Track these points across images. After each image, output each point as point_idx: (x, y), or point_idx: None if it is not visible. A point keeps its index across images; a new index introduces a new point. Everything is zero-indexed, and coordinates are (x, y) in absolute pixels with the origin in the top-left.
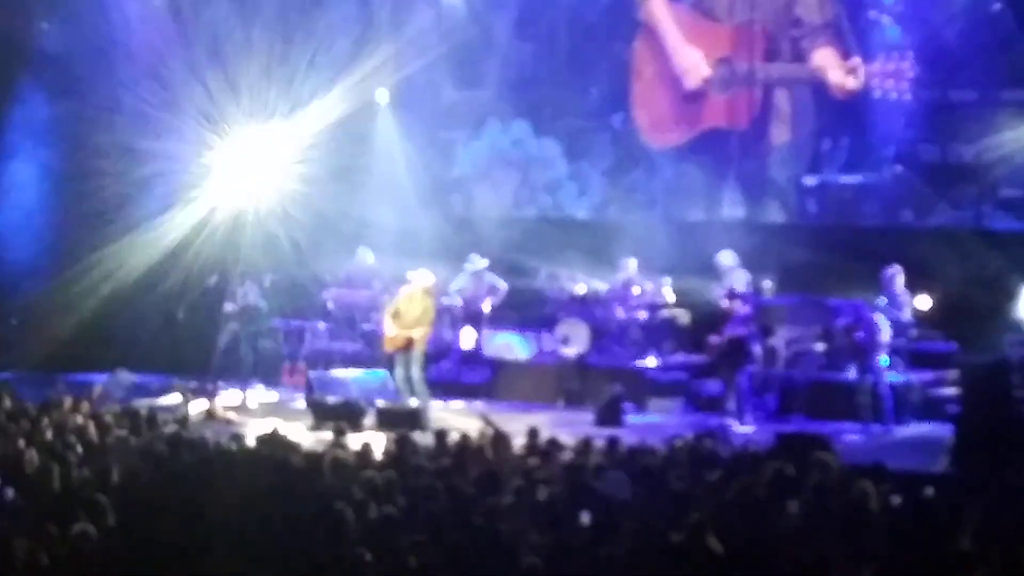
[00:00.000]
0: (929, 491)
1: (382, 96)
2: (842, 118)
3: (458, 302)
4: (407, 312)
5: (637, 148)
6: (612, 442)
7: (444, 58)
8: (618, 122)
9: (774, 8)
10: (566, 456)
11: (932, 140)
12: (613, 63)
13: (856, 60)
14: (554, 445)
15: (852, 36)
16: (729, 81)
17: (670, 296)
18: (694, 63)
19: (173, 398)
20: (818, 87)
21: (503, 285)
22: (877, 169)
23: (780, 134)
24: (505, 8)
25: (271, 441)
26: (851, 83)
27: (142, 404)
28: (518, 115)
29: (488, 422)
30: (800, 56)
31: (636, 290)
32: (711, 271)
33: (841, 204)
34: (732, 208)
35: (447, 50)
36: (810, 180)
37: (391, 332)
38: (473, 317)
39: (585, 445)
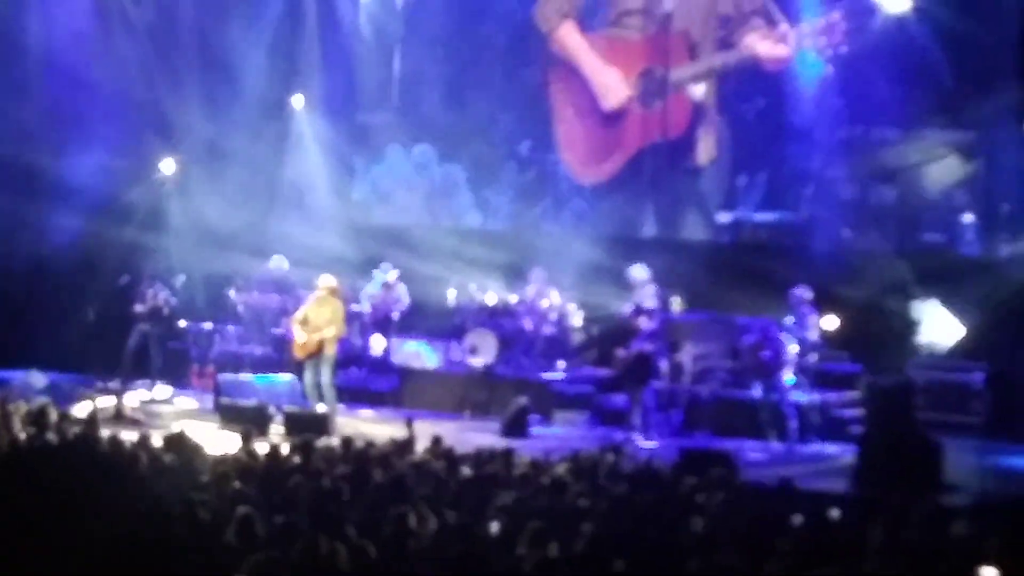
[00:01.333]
0: (833, 512)
1: (298, 101)
2: (760, 154)
3: (367, 309)
4: (315, 317)
5: (546, 176)
6: (510, 454)
7: (350, 78)
8: (526, 149)
9: (695, 13)
10: (467, 467)
11: (852, 179)
12: (522, 89)
13: (784, 26)
14: (454, 456)
15: (778, 10)
16: (653, 93)
17: (578, 309)
18: (613, 83)
19: (82, 398)
20: (740, 131)
21: (407, 298)
22: (794, 208)
23: (706, 150)
24: (412, 30)
25: (177, 442)
26: (782, 50)
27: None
28: (422, 139)
29: (410, 426)
30: (728, 48)
31: (545, 302)
32: (623, 284)
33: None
34: (648, 226)
35: (353, 69)
36: (724, 217)
37: (300, 339)
38: (382, 325)
39: (488, 456)
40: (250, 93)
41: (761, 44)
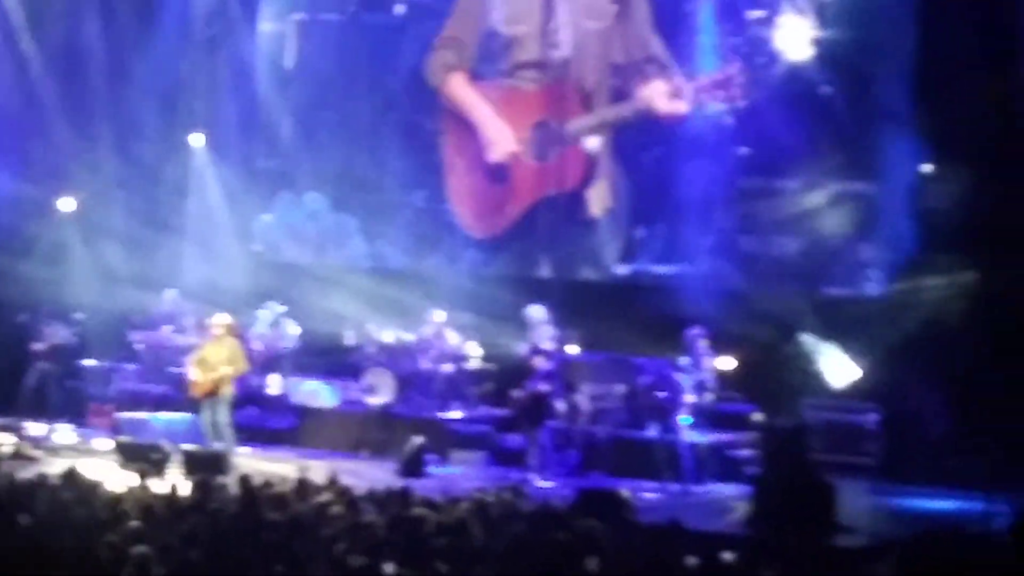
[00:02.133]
0: (727, 554)
1: (197, 140)
2: (658, 205)
3: (259, 347)
4: (213, 356)
5: (441, 227)
6: (407, 494)
7: (248, 120)
8: (421, 199)
9: (588, 62)
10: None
11: (753, 230)
12: (417, 137)
13: (680, 80)
14: (351, 496)
15: (675, 63)
16: (548, 144)
17: (476, 349)
18: (500, 135)
19: None
20: (638, 181)
21: (293, 337)
22: (693, 260)
23: (602, 202)
24: (306, 76)
25: (75, 481)
26: (679, 106)
27: None
28: (313, 187)
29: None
30: (623, 98)
31: (442, 342)
32: (521, 325)
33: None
34: (545, 267)
35: (249, 113)
36: (622, 269)
37: (197, 377)
38: (274, 363)
39: (384, 497)
40: (151, 130)
41: (657, 97)
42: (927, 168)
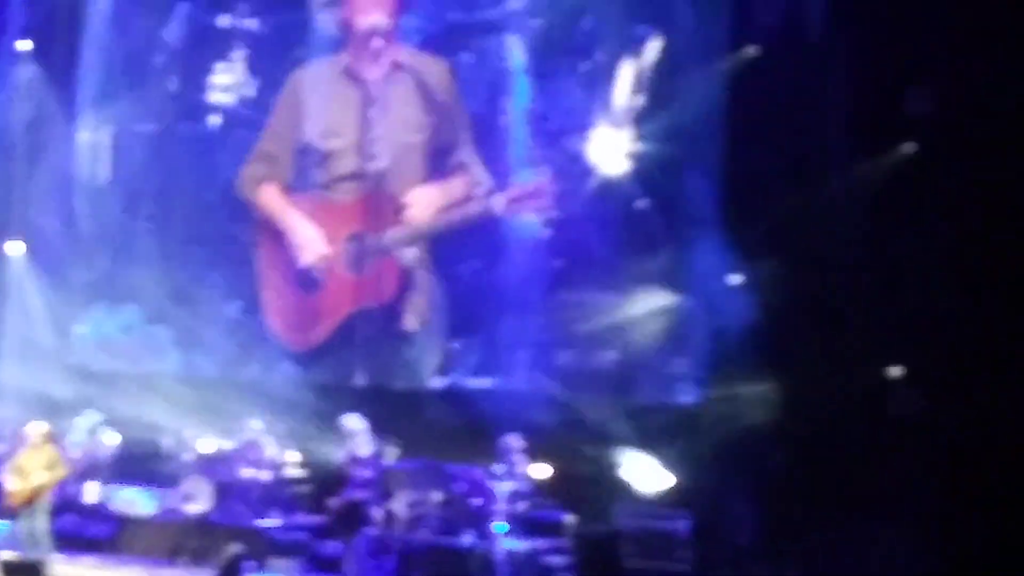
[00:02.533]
0: None
1: (15, 248)
2: (474, 318)
3: (77, 455)
4: (29, 464)
5: (256, 338)
6: None
7: (66, 229)
8: (235, 311)
9: (405, 174)
10: None
11: (568, 344)
12: (233, 247)
13: (493, 190)
14: None
15: (490, 174)
16: (362, 257)
17: (294, 457)
18: (310, 240)
19: None
20: (454, 294)
21: (111, 445)
22: (509, 373)
23: (418, 315)
24: (120, 185)
25: None
26: (491, 212)
27: None
28: (128, 299)
29: None
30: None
31: (260, 450)
32: (339, 433)
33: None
34: (361, 378)
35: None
36: (438, 382)
37: (15, 487)
38: (92, 471)
39: None
40: None
41: (470, 206)
42: (735, 279)
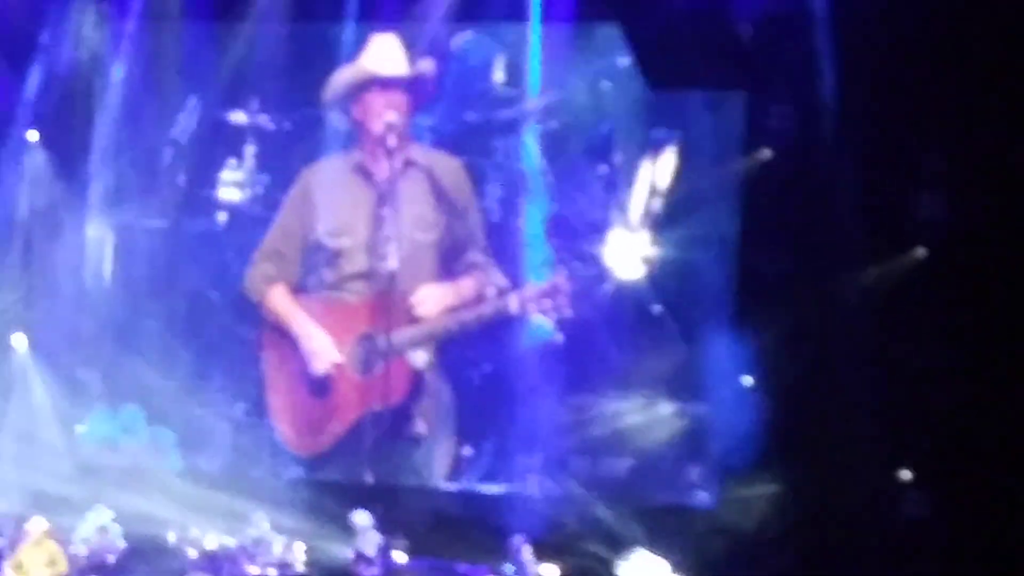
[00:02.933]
0: None
1: (19, 342)
2: (485, 422)
3: (83, 552)
4: (30, 562)
5: (262, 442)
6: None
7: (70, 326)
8: (240, 412)
9: (416, 274)
10: None
11: (581, 451)
12: (238, 348)
13: (505, 285)
14: None
15: (503, 274)
16: (373, 358)
17: (301, 555)
18: (322, 347)
19: None
20: (465, 398)
21: (121, 542)
22: (521, 479)
23: (428, 419)
24: (125, 282)
25: None
26: (506, 312)
27: None
28: (130, 399)
29: None
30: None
31: (266, 547)
32: (346, 530)
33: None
34: (369, 478)
35: (66, 319)
36: (449, 487)
37: None
38: (97, 569)
39: None
40: None
41: (483, 306)
42: (749, 382)
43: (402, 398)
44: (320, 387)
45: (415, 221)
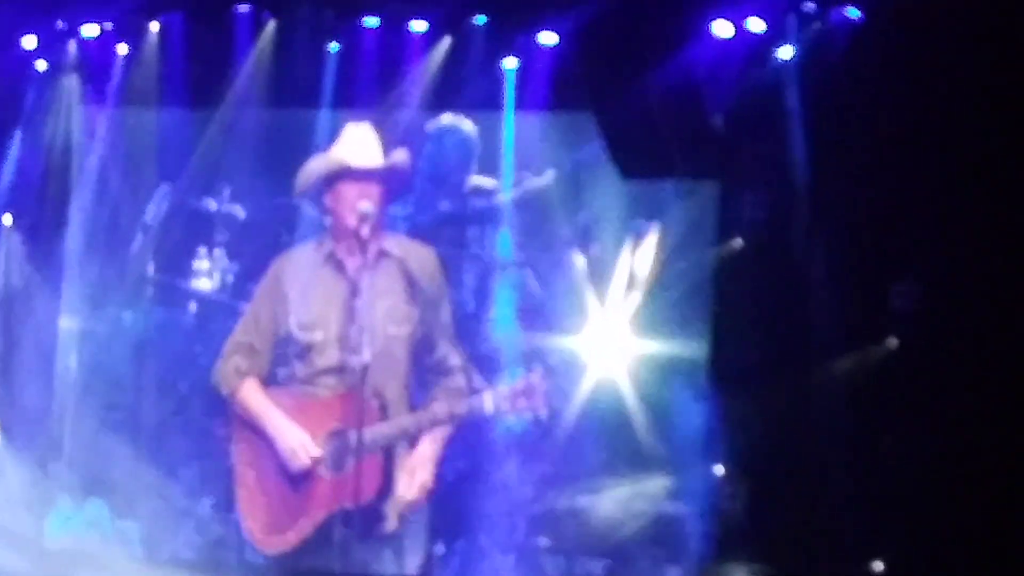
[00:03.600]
0: None
1: None
2: (459, 520)
3: None
4: None
5: (229, 539)
6: None
7: (35, 419)
8: (207, 507)
9: (389, 368)
10: None
11: (557, 550)
12: (206, 441)
13: (481, 386)
14: None
15: (476, 370)
16: (342, 455)
17: None
18: (299, 444)
19: None
20: (438, 495)
21: None
22: None
23: (397, 516)
24: (95, 374)
25: None
26: (479, 411)
27: None
28: (96, 493)
29: None
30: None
31: None
32: None
33: None
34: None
35: (38, 411)
36: None
37: None
38: None
39: None
40: None
41: (457, 405)
42: (721, 471)
43: (372, 495)
44: (290, 484)
45: (388, 314)
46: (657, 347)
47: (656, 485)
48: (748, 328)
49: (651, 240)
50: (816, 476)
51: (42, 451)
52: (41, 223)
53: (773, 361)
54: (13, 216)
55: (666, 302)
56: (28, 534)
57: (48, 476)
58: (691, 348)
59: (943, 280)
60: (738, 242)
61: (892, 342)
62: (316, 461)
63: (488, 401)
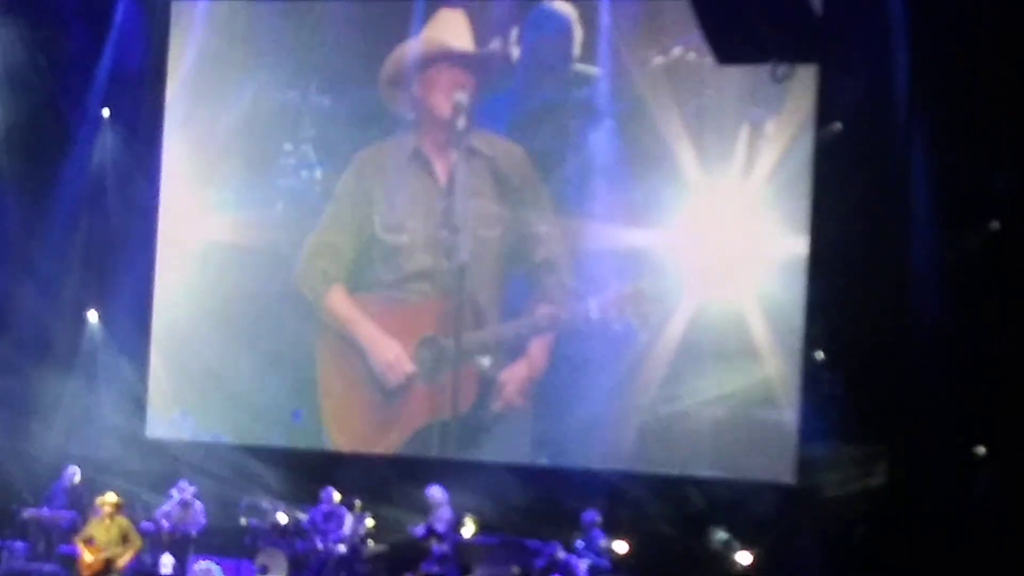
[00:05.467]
0: None
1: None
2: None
3: (165, 526)
4: (101, 535)
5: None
6: None
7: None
8: (299, 418)
9: (482, 273)
10: None
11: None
12: (292, 349)
13: (585, 289)
14: None
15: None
16: (436, 365)
17: (371, 530)
18: (395, 357)
19: None
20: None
21: (204, 517)
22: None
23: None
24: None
25: None
26: (587, 316)
27: None
28: (183, 402)
29: None
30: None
31: (336, 522)
32: (418, 505)
33: None
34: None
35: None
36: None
37: (87, 558)
38: (180, 543)
39: None
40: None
41: (560, 309)
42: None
43: (470, 407)
44: (382, 396)
45: (478, 215)
46: (759, 239)
47: (759, 383)
48: (848, 215)
49: (767, 128)
50: (916, 361)
51: (140, 348)
52: (138, 117)
53: (873, 247)
54: (111, 110)
55: (769, 192)
56: (129, 430)
57: (143, 378)
58: (791, 238)
59: None
60: (837, 126)
61: (994, 225)
62: (410, 375)
63: (594, 306)
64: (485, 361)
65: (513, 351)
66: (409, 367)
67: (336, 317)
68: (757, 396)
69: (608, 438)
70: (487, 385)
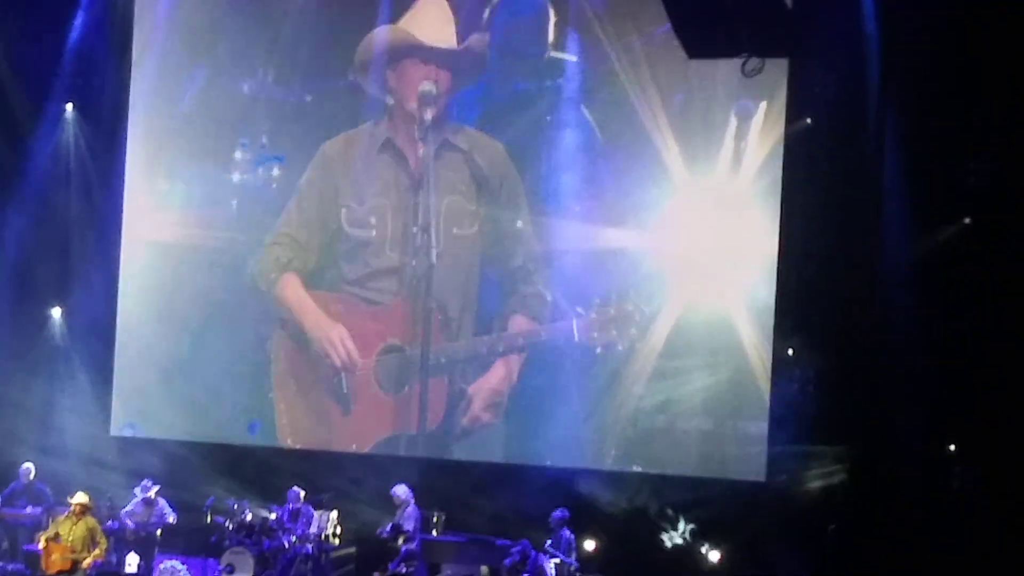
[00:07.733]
0: None
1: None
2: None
3: (129, 525)
4: (68, 534)
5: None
6: None
7: None
8: (256, 430)
9: (452, 275)
10: None
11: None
12: (249, 352)
13: (565, 305)
14: None
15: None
16: (400, 374)
17: (337, 528)
18: (338, 336)
19: None
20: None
21: (172, 515)
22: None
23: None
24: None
25: None
26: (568, 337)
27: None
28: (139, 406)
29: None
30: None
31: (304, 521)
32: (386, 503)
33: None
34: (409, 449)
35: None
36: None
37: (52, 555)
38: (144, 542)
39: None
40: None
41: (538, 326)
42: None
43: (439, 423)
44: (339, 404)
45: (452, 212)
46: (730, 234)
47: (738, 385)
48: (818, 208)
49: (755, 119)
50: (886, 357)
51: (104, 345)
52: (101, 108)
53: (843, 242)
54: (74, 104)
55: (758, 188)
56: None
57: (107, 376)
58: (763, 232)
59: (1018, 156)
60: (807, 122)
61: (965, 220)
62: (360, 380)
63: (575, 328)
64: (455, 375)
65: (485, 364)
66: (353, 348)
67: (285, 305)
68: (736, 398)
69: (582, 443)
70: (456, 399)
